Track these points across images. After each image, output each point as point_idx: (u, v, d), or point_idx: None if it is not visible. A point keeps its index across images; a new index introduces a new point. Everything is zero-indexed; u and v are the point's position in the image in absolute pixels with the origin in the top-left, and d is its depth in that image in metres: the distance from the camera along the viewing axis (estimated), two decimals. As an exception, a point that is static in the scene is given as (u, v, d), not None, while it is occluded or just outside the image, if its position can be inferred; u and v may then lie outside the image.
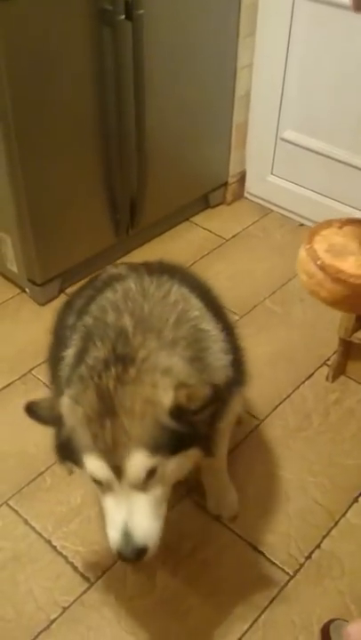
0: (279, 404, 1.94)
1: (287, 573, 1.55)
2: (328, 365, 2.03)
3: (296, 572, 1.56)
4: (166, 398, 1.08)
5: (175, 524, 1.64)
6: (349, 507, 1.69)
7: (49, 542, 1.62)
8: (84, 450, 1.10)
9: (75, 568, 1.57)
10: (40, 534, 1.63)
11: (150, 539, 1.12)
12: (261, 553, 1.59)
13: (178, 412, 1.08)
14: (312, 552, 1.60)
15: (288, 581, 1.54)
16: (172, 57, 2.20)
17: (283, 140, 2.55)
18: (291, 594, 1.52)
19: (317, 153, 2.46)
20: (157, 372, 1.11)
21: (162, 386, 1.09)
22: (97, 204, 2.24)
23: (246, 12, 2.34)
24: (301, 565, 1.57)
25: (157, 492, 1.12)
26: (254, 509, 1.69)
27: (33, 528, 1.65)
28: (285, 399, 1.95)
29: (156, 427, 1.08)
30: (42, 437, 1.74)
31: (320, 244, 0.90)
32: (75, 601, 1.51)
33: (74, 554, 1.60)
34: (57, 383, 1.38)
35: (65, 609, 1.49)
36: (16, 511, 1.68)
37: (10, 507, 1.69)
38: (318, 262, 0.86)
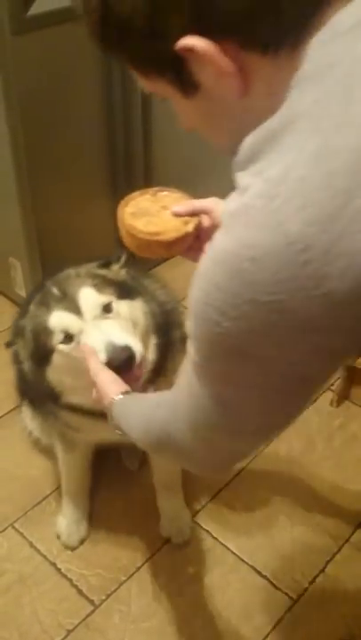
0: (283, 428, 1.95)
1: (291, 598, 1.56)
2: (332, 390, 2.05)
3: (300, 596, 1.56)
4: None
5: (180, 549, 1.66)
6: (353, 532, 1.69)
7: (54, 565, 1.63)
8: (48, 322, 1.27)
9: (79, 591, 1.58)
10: (45, 557, 1.64)
11: (131, 342, 1.22)
12: (265, 577, 1.60)
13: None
14: (316, 577, 1.60)
15: (292, 606, 1.54)
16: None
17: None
18: (295, 618, 1.52)
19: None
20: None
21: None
22: (105, 231, 2.28)
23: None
24: (305, 590, 1.58)
25: (122, 321, 1.28)
26: (258, 534, 1.69)
27: (38, 550, 1.66)
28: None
29: (96, 277, 1.33)
30: (47, 461, 1.78)
31: (130, 208, 1.13)
32: (79, 624, 1.51)
33: (78, 577, 1.61)
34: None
35: (69, 632, 1.50)
36: (21, 534, 1.69)
37: (15, 529, 1.70)
38: (123, 221, 1.11)
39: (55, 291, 1.30)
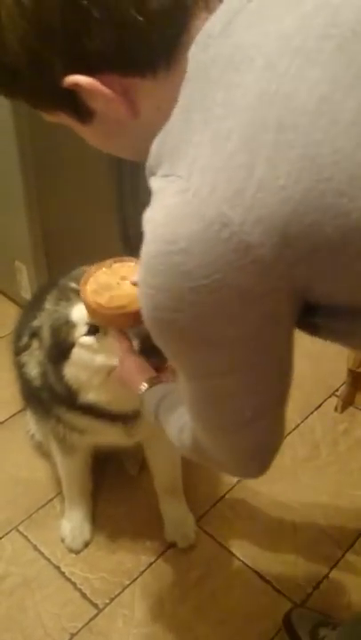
0: (288, 434, 1.95)
1: (295, 603, 1.55)
2: (337, 396, 2.05)
3: (304, 602, 1.56)
4: None
5: (183, 553, 1.66)
6: (357, 537, 1.69)
7: (58, 568, 1.63)
8: (71, 315, 1.26)
9: (83, 594, 1.58)
10: (49, 560, 1.65)
11: None
12: (269, 582, 1.60)
13: None
14: (320, 582, 1.60)
15: (296, 611, 1.54)
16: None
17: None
18: (298, 624, 1.52)
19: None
20: None
21: None
22: (110, 235, 2.29)
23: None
24: (309, 595, 1.57)
25: None
26: (262, 539, 1.69)
27: (42, 554, 1.66)
28: (294, 429, 1.97)
29: None
30: (51, 464, 1.78)
31: (91, 285, 1.16)
32: (83, 627, 1.51)
33: (82, 580, 1.61)
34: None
35: (73, 635, 1.50)
36: (26, 537, 1.70)
37: (20, 532, 1.70)
38: (87, 300, 1.15)
39: (75, 285, 1.29)
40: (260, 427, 0.81)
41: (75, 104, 0.71)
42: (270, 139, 0.60)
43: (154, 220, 0.66)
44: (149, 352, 1.15)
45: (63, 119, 0.75)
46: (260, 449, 0.87)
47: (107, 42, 0.65)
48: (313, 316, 0.72)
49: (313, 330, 0.76)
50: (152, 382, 1.13)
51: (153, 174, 0.69)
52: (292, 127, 0.60)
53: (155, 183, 0.68)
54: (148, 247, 0.67)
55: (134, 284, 1.13)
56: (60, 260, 2.18)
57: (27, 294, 2.31)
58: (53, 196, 2.06)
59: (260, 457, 0.88)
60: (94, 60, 0.66)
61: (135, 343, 1.20)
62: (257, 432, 0.82)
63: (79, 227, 2.19)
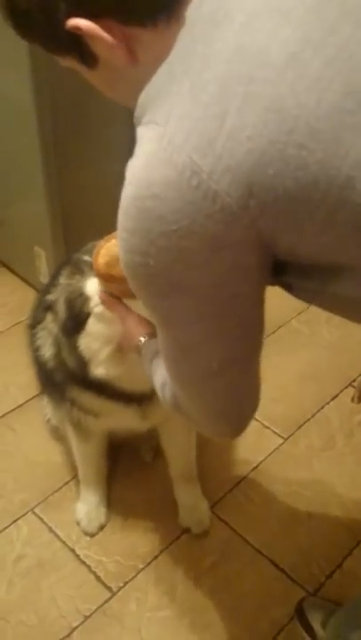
0: (304, 423, 1.95)
1: (308, 592, 1.56)
2: (354, 387, 2.04)
3: (317, 590, 1.56)
4: None
5: (197, 539, 1.66)
6: (372, 528, 1.69)
7: (73, 551, 1.65)
8: (85, 288, 1.26)
9: (97, 577, 1.59)
10: (64, 542, 1.66)
11: None
12: (283, 571, 1.60)
13: None
14: (333, 572, 1.60)
15: (309, 600, 1.55)
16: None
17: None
18: (311, 612, 1.52)
19: None
20: None
21: None
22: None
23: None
24: (322, 584, 1.58)
25: None
26: (277, 527, 1.70)
27: (57, 536, 1.68)
28: (310, 419, 1.96)
29: None
30: (68, 448, 1.79)
31: (103, 258, 1.17)
32: (96, 610, 1.53)
33: (97, 563, 1.62)
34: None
35: (87, 617, 1.52)
36: (41, 519, 1.71)
37: (35, 514, 1.72)
38: (101, 273, 1.16)
39: (88, 258, 1.29)
40: (225, 381, 0.84)
41: (80, 48, 0.75)
42: (241, 91, 0.63)
43: (133, 165, 0.70)
44: None
45: (73, 64, 0.79)
46: (229, 407, 0.89)
47: None
48: (284, 275, 0.75)
49: (287, 288, 0.79)
50: (151, 335, 1.13)
51: (139, 123, 0.72)
52: (261, 81, 0.63)
53: (139, 131, 0.71)
54: (125, 191, 0.70)
55: None
56: (78, 247, 2.18)
57: (45, 280, 2.32)
58: (73, 183, 2.07)
59: (229, 415, 0.90)
60: (96, 5, 0.69)
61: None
62: (223, 387, 0.85)
63: (98, 213, 2.18)
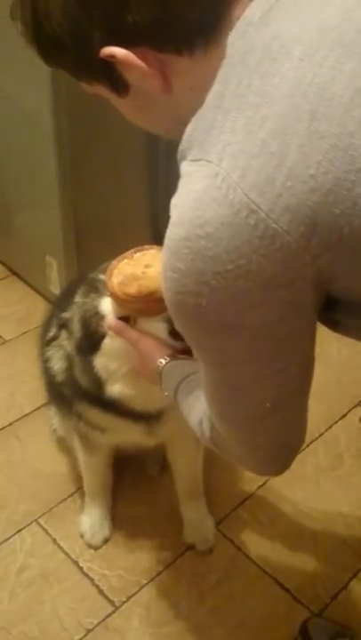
0: (311, 442, 1.94)
1: (312, 612, 1.54)
2: (362, 407, 2.03)
3: (321, 611, 1.55)
4: None
5: (202, 556, 1.65)
6: (378, 550, 1.68)
7: (76, 563, 1.63)
8: (100, 307, 1.25)
9: (100, 591, 1.58)
10: (68, 555, 1.65)
11: None
12: (288, 590, 1.59)
13: None
14: (338, 593, 1.59)
15: (313, 621, 1.53)
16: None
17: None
18: (315, 634, 1.51)
19: None
20: None
21: None
22: (141, 233, 2.29)
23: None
24: (327, 605, 1.56)
25: None
26: (282, 546, 1.68)
27: (61, 548, 1.66)
28: (318, 438, 1.95)
29: None
30: (74, 459, 1.78)
31: (116, 277, 1.16)
32: (99, 624, 1.51)
33: (100, 577, 1.61)
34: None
35: (89, 631, 1.50)
36: (45, 530, 1.70)
37: (40, 525, 1.71)
38: (116, 293, 1.15)
39: (103, 277, 1.28)
40: (278, 420, 0.81)
41: (111, 76, 0.73)
42: (303, 128, 0.61)
43: (181, 205, 0.66)
44: (177, 335, 1.15)
45: (101, 91, 0.77)
46: (279, 445, 0.86)
47: (145, 17, 0.66)
48: (333, 312, 0.73)
49: (333, 325, 0.77)
50: (172, 357, 1.10)
51: (183, 158, 0.69)
52: (325, 117, 0.60)
53: (185, 168, 0.68)
54: (173, 230, 0.67)
55: None
56: (90, 257, 2.18)
57: (55, 289, 2.32)
58: (87, 194, 2.07)
59: (278, 453, 0.87)
60: (131, 33, 0.67)
61: (163, 326, 1.18)
62: (275, 426, 0.82)
63: (111, 225, 2.20)
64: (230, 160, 0.63)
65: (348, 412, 2.03)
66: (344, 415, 2.02)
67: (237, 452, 0.89)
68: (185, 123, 0.70)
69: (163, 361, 1.10)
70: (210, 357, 0.76)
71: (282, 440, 0.85)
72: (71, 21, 0.68)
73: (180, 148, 0.70)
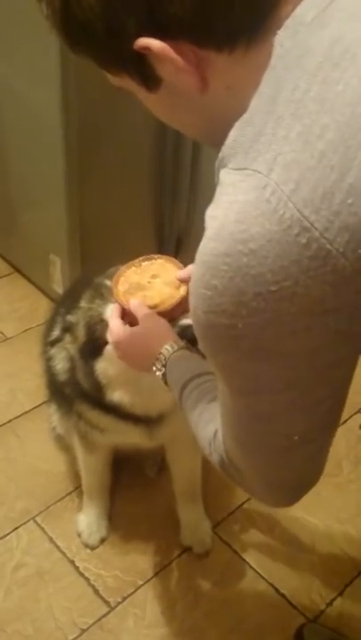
0: (310, 447, 1.94)
1: (308, 618, 1.54)
2: (362, 414, 2.03)
3: (316, 617, 1.55)
4: None
5: (198, 558, 1.65)
6: (375, 558, 1.67)
7: (72, 562, 1.63)
8: (106, 313, 1.25)
9: (96, 591, 1.57)
10: (64, 554, 1.65)
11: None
12: (283, 596, 1.58)
13: None
14: (333, 599, 1.59)
15: (308, 627, 1.53)
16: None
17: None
18: None
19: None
20: None
21: None
22: (145, 236, 2.30)
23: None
24: (322, 612, 1.56)
25: None
26: (278, 551, 1.68)
27: (57, 547, 1.66)
28: (317, 443, 1.95)
29: None
30: (72, 458, 1.78)
31: (122, 285, 1.17)
32: (94, 624, 1.51)
33: (96, 577, 1.60)
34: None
35: (83, 631, 1.50)
36: (42, 528, 1.70)
37: (37, 523, 1.71)
38: (121, 302, 1.16)
39: (109, 283, 1.28)
40: (303, 454, 0.75)
41: (143, 69, 0.67)
42: None
43: (222, 217, 0.60)
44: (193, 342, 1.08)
45: (128, 83, 0.71)
46: (299, 479, 0.79)
47: (188, 9, 0.60)
48: None
49: None
50: (184, 346, 1.03)
51: (224, 166, 0.63)
52: None
53: (227, 177, 0.62)
54: (211, 244, 0.61)
55: (182, 281, 1.12)
56: (93, 256, 2.19)
57: (59, 288, 2.32)
58: (94, 194, 2.07)
59: (296, 487, 0.81)
60: (171, 25, 0.61)
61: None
62: (299, 460, 0.75)
63: (115, 224, 2.20)
64: (282, 171, 0.57)
65: (349, 418, 2.03)
66: (344, 421, 2.02)
67: (250, 482, 0.82)
68: (216, 124, 0.66)
69: (169, 348, 1.03)
70: (237, 383, 0.69)
71: (303, 474, 0.79)
72: (105, 6, 0.62)
73: (221, 154, 0.64)
